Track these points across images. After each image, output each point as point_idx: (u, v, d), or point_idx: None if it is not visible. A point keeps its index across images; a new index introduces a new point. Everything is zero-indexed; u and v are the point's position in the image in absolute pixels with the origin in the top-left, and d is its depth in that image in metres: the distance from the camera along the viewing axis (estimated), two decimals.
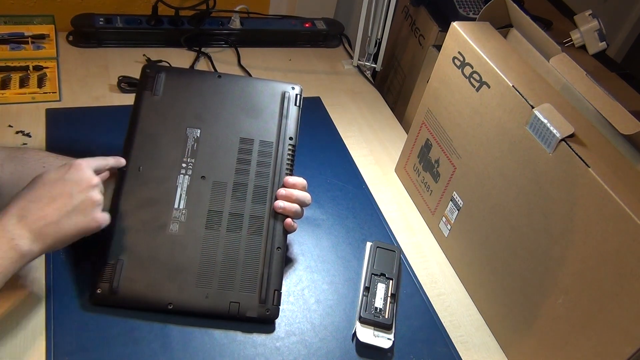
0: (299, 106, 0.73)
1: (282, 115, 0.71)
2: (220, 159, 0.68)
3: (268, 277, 0.64)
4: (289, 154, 0.70)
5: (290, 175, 0.69)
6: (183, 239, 0.63)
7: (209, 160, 0.67)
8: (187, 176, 0.66)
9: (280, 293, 0.64)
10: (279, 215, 0.66)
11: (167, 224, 0.64)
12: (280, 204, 0.66)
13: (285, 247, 0.67)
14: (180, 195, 0.65)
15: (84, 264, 0.66)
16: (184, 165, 0.66)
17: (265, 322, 0.65)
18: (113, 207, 0.64)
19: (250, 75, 1.05)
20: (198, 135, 0.68)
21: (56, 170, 0.57)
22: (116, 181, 0.66)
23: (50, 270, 0.65)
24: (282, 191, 0.67)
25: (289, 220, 0.67)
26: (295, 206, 0.67)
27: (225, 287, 0.62)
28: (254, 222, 0.66)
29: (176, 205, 0.65)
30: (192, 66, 1.02)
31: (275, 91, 0.73)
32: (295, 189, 0.68)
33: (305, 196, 0.68)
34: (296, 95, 0.73)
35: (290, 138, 0.71)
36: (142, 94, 0.69)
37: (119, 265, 0.61)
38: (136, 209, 0.64)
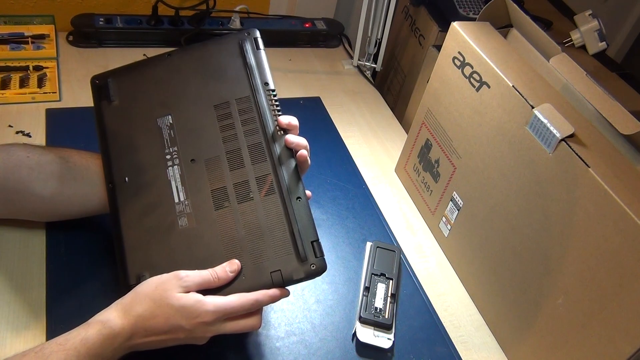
0: (262, 49, 0.66)
1: (247, 65, 0.65)
2: (203, 135, 0.63)
3: (299, 232, 0.57)
4: (270, 101, 0.63)
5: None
6: (197, 230, 0.59)
7: (192, 141, 0.63)
8: (175, 166, 0.61)
9: (320, 243, 0.57)
10: (284, 165, 0.60)
11: (174, 221, 0.59)
12: (292, 138, 0.61)
13: (305, 195, 0.60)
14: (177, 187, 0.61)
15: (84, 263, 0.67)
16: (168, 157, 0.62)
17: (315, 276, 0.57)
18: (115, 228, 0.60)
19: None
20: (170, 121, 0.64)
21: (186, 315, 0.53)
22: (108, 200, 0.62)
23: (50, 270, 0.65)
24: (290, 137, 0.61)
25: (302, 152, 0.61)
26: (305, 140, 0.62)
27: (259, 259, 0.57)
28: (262, 182, 0.60)
29: (176, 200, 0.60)
30: None
31: (230, 46, 0.67)
32: (294, 130, 0.63)
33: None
34: (255, 39, 0.67)
35: (266, 83, 0.64)
36: (100, 106, 0.65)
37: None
38: (138, 220, 0.60)
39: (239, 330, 0.56)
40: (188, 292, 0.54)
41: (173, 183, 0.61)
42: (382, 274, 0.72)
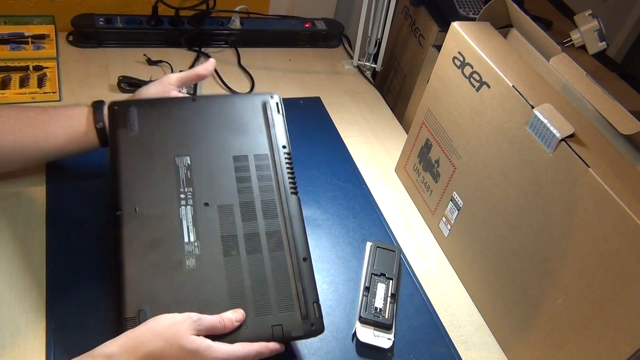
0: (283, 114, 0.71)
1: (268, 125, 0.69)
2: (219, 182, 0.64)
3: (303, 291, 0.60)
4: (287, 164, 0.67)
5: (294, 188, 0.66)
6: (203, 272, 0.59)
7: (208, 185, 0.64)
8: (189, 206, 0.62)
9: (319, 305, 0.61)
10: (294, 226, 0.64)
11: (182, 261, 0.59)
12: None
13: (310, 257, 0.63)
14: (187, 227, 0.61)
15: (84, 263, 0.67)
16: (182, 196, 0.62)
17: (312, 336, 0.60)
18: (117, 258, 0.58)
19: (251, 76, 1.05)
20: (189, 162, 0.64)
21: (191, 345, 0.53)
22: (112, 228, 0.60)
23: (50, 270, 0.65)
24: None
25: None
26: None
27: (262, 311, 0.58)
28: (272, 237, 0.63)
29: (186, 240, 0.60)
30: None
31: (254, 103, 0.71)
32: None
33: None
34: (276, 103, 0.71)
35: (284, 147, 0.68)
36: (117, 132, 0.65)
37: (141, 316, 0.55)
38: (144, 253, 0.59)
39: None
40: (199, 335, 0.54)
41: (184, 222, 0.61)
42: (382, 274, 0.72)
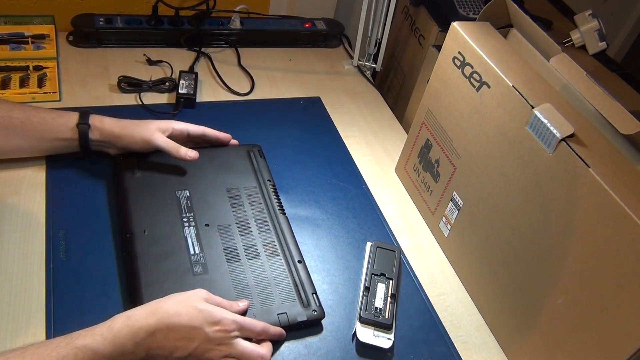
0: (265, 158, 0.84)
1: (254, 166, 0.81)
2: (216, 208, 0.74)
3: (302, 285, 0.68)
4: (273, 192, 0.78)
5: (282, 210, 0.76)
6: (210, 276, 0.66)
7: (206, 210, 0.73)
8: (191, 227, 0.70)
9: (318, 295, 0.68)
10: (286, 237, 0.73)
11: (190, 268, 0.66)
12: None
13: (304, 260, 0.71)
14: (192, 243, 0.69)
15: (84, 263, 0.67)
16: (185, 219, 0.71)
17: (315, 322, 0.67)
18: (131, 267, 0.65)
19: (251, 76, 1.05)
20: (188, 194, 0.74)
21: (209, 318, 0.58)
22: (125, 247, 0.67)
23: (50, 270, 0.65)
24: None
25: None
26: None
27: (268, 303, 0.65)
28: (268, 247, 0.71)
29: (192, 252, 0.68)
30: (192, 67, 1.02)
31: (240, 151, 0.83)
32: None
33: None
34: (258, 151, 0.84)
35: (269, 180, 0.80)
36: (124, 175, 0.75)
37: None
38: (155, 263, 0.66)
39: (249, 352, 0.60)
40: None
41: (189, 239, 0.69)
42: (382, 274, 0.72)
